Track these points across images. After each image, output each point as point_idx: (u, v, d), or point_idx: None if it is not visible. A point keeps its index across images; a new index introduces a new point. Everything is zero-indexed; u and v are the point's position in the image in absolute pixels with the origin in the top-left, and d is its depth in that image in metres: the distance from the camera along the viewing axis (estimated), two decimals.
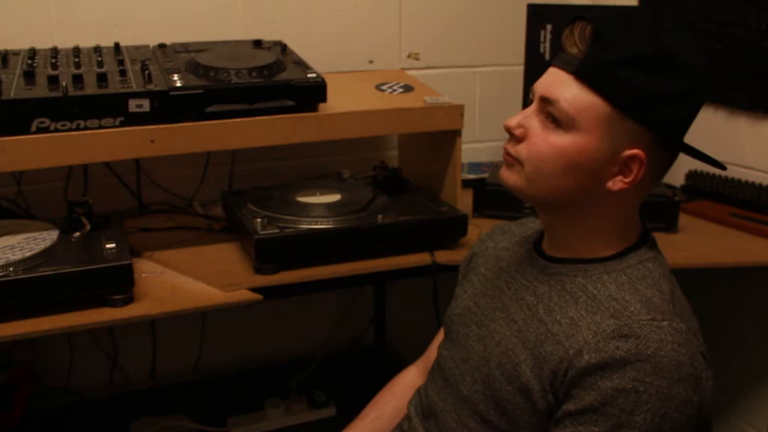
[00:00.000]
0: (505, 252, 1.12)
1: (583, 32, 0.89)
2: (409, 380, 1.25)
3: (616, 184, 0.90)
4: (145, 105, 1.26)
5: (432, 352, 1.23)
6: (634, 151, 0.88)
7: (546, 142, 0.90)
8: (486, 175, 1.72)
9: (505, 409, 0.93)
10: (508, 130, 0.95)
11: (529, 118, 0.93)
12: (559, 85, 0.90)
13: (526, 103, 0.98)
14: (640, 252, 0.95)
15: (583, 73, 0.88)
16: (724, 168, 1.02)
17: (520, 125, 0.93)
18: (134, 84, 1.29)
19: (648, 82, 0.86)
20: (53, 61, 1.35)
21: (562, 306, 0.93)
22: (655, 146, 0.90)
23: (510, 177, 0.96)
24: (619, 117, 0.87)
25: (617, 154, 0.89)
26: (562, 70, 0.90)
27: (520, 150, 0.93)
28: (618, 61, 0.86)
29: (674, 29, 0.93)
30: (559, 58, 0.92)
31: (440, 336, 1.22)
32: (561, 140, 0.90)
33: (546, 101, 0.91)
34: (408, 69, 1.87)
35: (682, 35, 0.94)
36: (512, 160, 0.95)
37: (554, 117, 0.90)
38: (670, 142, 0.91)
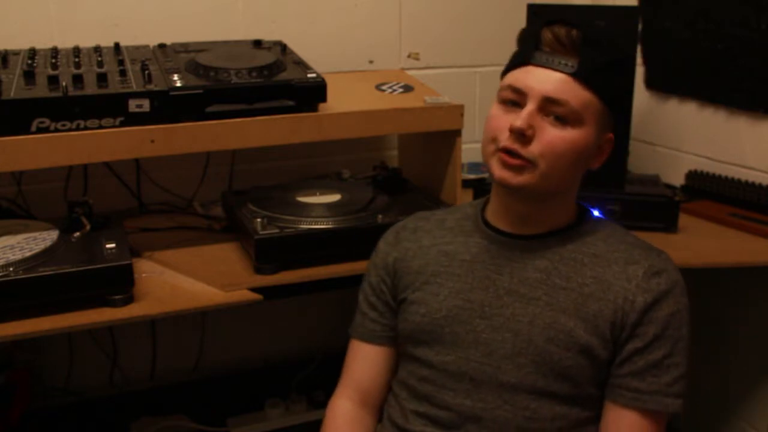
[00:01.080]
0: (452, 246, 1.12)
1: (570, 35, 1.00)
2: (348, 414, 1.17)
3: (595, 163, 1.07)
4: (145, 105, 1.26)
5: (362, 376, 1.18)
6: (610, 135, 1.07)
7: (562, 140, 1.00)
8: (486, 175, 1.72)
9: (569, 374, 1.02)
10: (519, 131, 0.99)
11: (534, 118, 1.00)
12: (562, 86, 0.99)
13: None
14: (588, 215, 1.13)
15: (583, 75, 0.99)
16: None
17: (530, 126, 0.99)
18: (134, 84, 1.29)
19: (621, 80, 1.06)
20: (53, 61, 1.35)
21: (575, 271, 1.05)
22: (613, 124, 1.08)
23: (518, 178, 1.01)
24: (606, 110, 1.03)
25: (601, 139, 1.05)
26: (556, 71, 1.00)
27: (533, 150, 1.00)
28: (609, 64, 1.01)
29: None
30: (545, 60, 1.01)
31: (366, 357, 1.18)
32: (572, 135, 1.00)
33: (552, 102, 0.99)
34: (408, 69, 1.87)
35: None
36: (524, 162, 1.00)
37: (561, 115, 0.99)
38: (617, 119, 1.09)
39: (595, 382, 1.03)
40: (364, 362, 1.19)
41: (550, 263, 1.06)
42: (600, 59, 1.00)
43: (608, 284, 1.02)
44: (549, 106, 0.99)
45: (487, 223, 1.12)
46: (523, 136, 0.99)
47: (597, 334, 1.01)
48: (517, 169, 1.01)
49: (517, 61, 1.04)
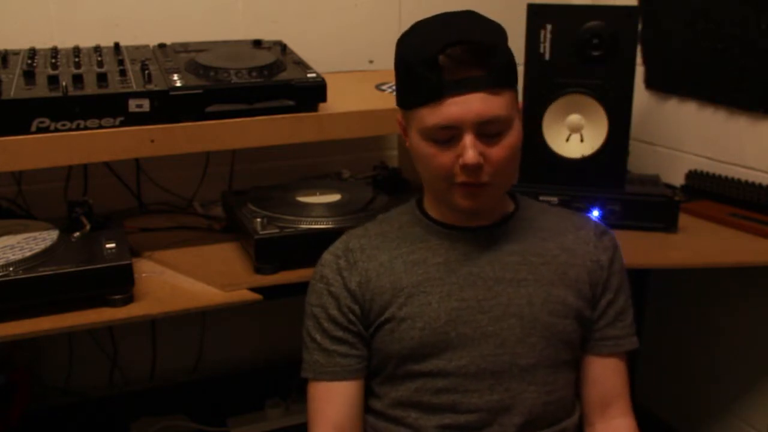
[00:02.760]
0: (417, 254, 1.09)
1: (466, 54, 0.97)
2: (336, 419, 1.09)
3: (520, 133, 1.06)
4: (145, 105, 1.26)
5: (339, 418, 1.08)
6: (519, 104, 1.08)
7: (505, 149, 1.02)
8: None
9: (570, 340, 1.09)
10: (476, 166, 1.00)
11: (477, 145, 1.00)
12: (485, 104, 0.99)
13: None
14: (520, 198, 1.19)
15: (495, 83, 0.99)
16: None
17: (480, 154, 1.00)
18: (134, 84, 1.29)
19: (510, 54, 1.04)
20: (53, 61, 1.35)
21: (542, 246, 1.11)
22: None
23: (479, 201, 1.05)
24: (515, 90, 1.05)
25: (519, 113, 1.06)
26: (473, 92, 0.98)
27: (489, 171, 1.02)
28: (508, 55, 1.03)
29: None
30: (457, 86, 0.98)
31: (336, 398, 1.09)
32: (512, 138, 1.03)
33: (485, 123, 1.00)
34: None
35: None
36: (482, 187, 1.03)
37: (496, 131, 1.01)
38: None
39: (581, 343, 1.13)
40: (341, 402, 1.09)
41: (519, 245, 1.11)
42: (503, 57, 1.01)
43: (573, 251, 1.11)
44: (483, 127, 1.00)
45: (436, 222, 1.13)
46: (476, 168, 1.00)
47: (582, 297, 1.10)
48: (476, 196, 1.04)
49: (428, 98, 0.99)
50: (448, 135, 1.00)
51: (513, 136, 1.03)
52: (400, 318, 1.07)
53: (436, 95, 0.98)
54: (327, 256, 1.14)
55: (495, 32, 1.03)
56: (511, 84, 1.04)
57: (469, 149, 0.99)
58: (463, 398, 1.05)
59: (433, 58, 0.97)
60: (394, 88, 1.59)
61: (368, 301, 1.09)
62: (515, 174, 1.10)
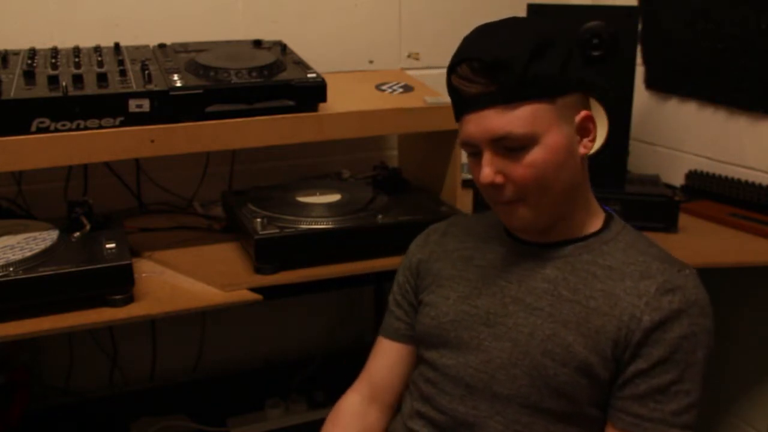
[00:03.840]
0: (468, 252, 1.11)
1: (473, 68, 0.95)
2: (353, 408, 1.19)
3: (587, 146, 1.00)
4: (145, 105, 1.26)
5: (377, 371, 1.19)
6: (583, 113, 0.99)
7: (529, 167, 0.96)
8: None
9: (564, 391, 0.97)
10: (490, 184, 0.98)
11: (495, 162, 0.97)
12: (497, 120, 0.95)
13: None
14: (616, 220, 1.07)
15: (506, 98, 0.94)
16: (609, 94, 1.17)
17: (497, 173, 0.97)
18: (134, 84, 1.29)
19: (549, 63, 0.95)
20: (53, 61, 1.35)
21: (585, 283, 0.99)
22: (586, 99, 1.02)
23: (520, 220, 1.01)
24: (555, 101, 0.96)
25: (574, 126, 0.98)
26: (483, 110, 0.95)
27: (513, 190, 0.98)
28: (524, 68, 0.93)
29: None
30: (470, 103, 0.97)
31: (385, 353, 1.19)
32: (538, 155, 0.96)
33: (498, 140, 0.96)
34: (408, 69, 1.87)
35: (522, 18, 1.06)
36: (514, 204, 0.99)
37: (514, 147, 0.96)
38: (592, 88, 1.02)
39: (596, 402, 0.98)
40: (382, 358, 1.20)
41: (561, 273, 1.01)
42: (514, 70, 0.93)
43: (617, 299, 0.96)
44: (498, 144, 0.96)
45: (509, 232, 1.10)
46: (497, 185, 0.98)
47: (597, 352, 0.95)
48: (515, 212, 1.00)
49: (455, 116, 1.02)
50: (473, 151, 1.00)
51: (538, 153, 0.95)
52: (425, 303, 1.13)
53: (458, 113, 1.01)
54: (424, 230, 1.22)
55: (513, 44, 0.94)
56: (536, 97, 0.94)
57: (484, 167, 0.97)
58: (438, 396, 1.07)
59: (449, 78, 0.99)
60: (394, 88, 1.59)
61: (419, 279, 1.16)
62: (555, 192, 0.98)
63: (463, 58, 0.96)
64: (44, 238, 1.28)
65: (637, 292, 0.96)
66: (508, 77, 0.93)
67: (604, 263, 1.00)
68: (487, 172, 0.97)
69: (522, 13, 1.53)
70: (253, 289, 1.32)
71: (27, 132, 1.21)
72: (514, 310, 1.02)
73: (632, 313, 0.95)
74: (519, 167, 0.96)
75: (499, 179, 0.97)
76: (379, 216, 1.42)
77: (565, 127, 0.97)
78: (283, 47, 1.55)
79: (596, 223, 1.06)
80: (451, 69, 0.99)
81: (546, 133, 0.95)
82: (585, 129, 1.00)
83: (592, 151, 1.04)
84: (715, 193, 1.68)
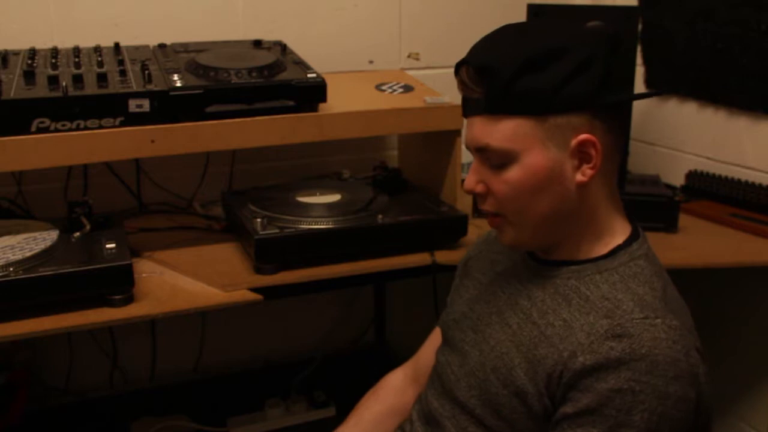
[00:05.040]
0: (500, 256, 1.10)
1: (469, 74, 0.91)
2: (395, 384, 1.23)
3: (585, 174, 0.90)
4: (145, 105, 1.26)
5: (423, 355, 1.23)
6: (581, 137, 0.89)
7: (505, 184, 0.92)
8: None
9: (502, 413, 0.93)
10: (470, 191, 0.96)
11: (480, 171, 0.94)
12: (480, 130, 0.91)
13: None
14: (631, 249, 0.94)
15: (489, 108, 0.90)
16: (660, 93, 1.04)
17: (478, 182, 0.95)
18: (134, 84, 1.29)
19: (543, 78, 0.87)
20: (53, 61, 1.35)
21: (555, 308, 0.93)
22: (594, 121, 0.90)
23: (504, 236, 0.98)
24: (545, 120, 0.88)
25: (568, 149, 0.89)
26: (473, 116, 0.92)
27: (493, 203, 0.95)
28: (510, 79, 0.87)
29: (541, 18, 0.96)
30: (464, 107, 0.94)
31: (433, 339, 1.22)
32: (515, 174, 0.90)
33: (480, 151, 0.93)
34: (408, 69, 1.87)
35: (546, 22, 0.98)
36: (496, 220, 0.97)
37: (495, 160, 0.91)
38: (603, 109, 0.90)
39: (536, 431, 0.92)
40: (429, 342, 1.22)
41: (543, 294, 0.95)
42: (498, 82, 0.88)
43: (570, 332, 0.88)
44: (482, 155, 0.93)
45: None
46: (479, 194, 0.95)
47: (534, 381, 0.90)
48: (500, 228, 0.97)
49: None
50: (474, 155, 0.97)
51: (515, 172, 0.90)
52: (451, 298, 1.16)
53: (462, 114, 0.97)
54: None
55: (507, 53, 0.88)
56: (520, 112, 0.88)
57: (469, 174, 0.95)
58: (429, 387, 1.10)
59: (457, 80, 0.96)
60: (394, 88, 1.59)
61: (463, 274, 1.16)
62: (533, 215, 0.93)
63: (464, 60, 0.93)
64: (44, 238, 1.28)
65: (589, 329, 0.87)
66: (493, 87, 0.89)
67: (585, 293, 0.92)
68: (470, 179, 0.95)
69: (522, 13, 1.53)
70: (253, 289, 1.32)
71: (27, 132, 1.21)
72: (493, 321, 1.00)
73: (573, 350, 0.86)
74: (497, 181, 0.92)
75: (479, 188, 0.95)
76: (379, 216, 1.42)
77: (553, 150, 0.89)
78: (283, 47, 1.55)
79: (604, 248, 0.95)
80: (457, 68, 0.95)
81: (526, 152, 0.89)
82: (584, 154, 0.90)
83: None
84: (715, 193, 1.68)
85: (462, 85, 0.93)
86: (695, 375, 0.85)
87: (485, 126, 0.91)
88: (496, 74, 0.88)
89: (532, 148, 0.89)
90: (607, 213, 0.95)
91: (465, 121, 0.96)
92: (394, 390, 1.22)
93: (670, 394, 0.82)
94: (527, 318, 0.95)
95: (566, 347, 0.87)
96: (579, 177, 0.91)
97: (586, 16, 1.49)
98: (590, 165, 0.90)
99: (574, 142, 0.89)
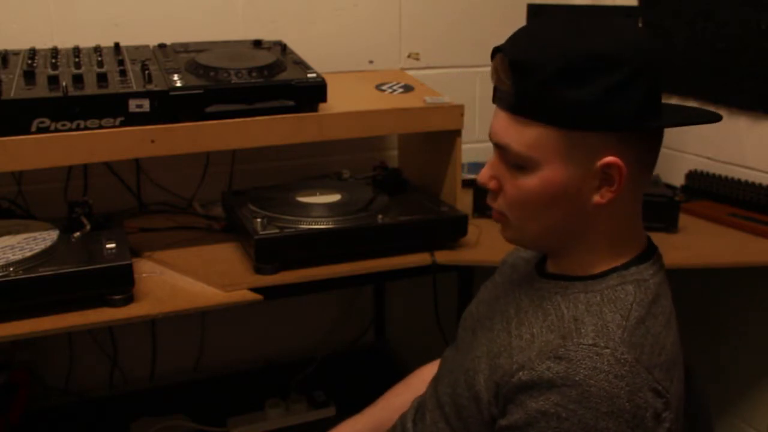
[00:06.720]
0: (521, 262, 1.07)
1: (503, 64, 0.84)
2: (426, 375, 1.20)
3: (604, 196, 0.84)
4: (145, 105, 1.26)
5: None
6: (607, 159, 0.82)
7: (517, 189, 0.86)
8: None
9: (462, 414, 0.92)
10: (483, 185, 0.91)
11: (497, 167, 0.89)
12: (504, 128, 0.85)
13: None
14: (627, 273, 0.88)
15: (516, 107, 0.84)
16: (719, 118, 0.93)
17: (492, 177, 0.90)
18: (134, 84, 1.29)
19: (584, 89, 0.79)
20: (53, 61, 1.35)
21: (531, 322, 0.89)
22: (625, 143, 0.82)
23: (504, 233, 0.94)
24: (573, 134, 0.81)
25: (591, 169, 0.83)
26: (499, 108, 0.87)
27: (501, 203, 0.90)
28: (544, 82, 0.80)
29: (588, 19, 0.87)
30: (494, 95, 0.88)
31: None
32: (529, 182, 0.85)
33: (500, 148, 0.87)
34: (408, 69, 1.87)
35: (599, 21, 0.87)
36: (498, 216, 0.93)
37: (514, 162, 0.86)
38: (637, 131, 0.83)
39: None
40: None
41: (529, 306, 0.92)
42: (530, 83, 0.81)
43: (530, 347, 0.85)
44: (502, 152, 0.87)
45: None
46: (492, 191, 0.91)
47: (487, 388, 0.88)
48: (502, 224, 0.93)
49: None
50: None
51: (530, 180, 0.85)
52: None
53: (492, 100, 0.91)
54: None
55: (549, 52, 0.81)
56: (548, 120, 0.82)
57: (485, 167, 0.90)
58: (434, 379, 1.09)
59: (492, 65, 0.89)
60: (394, 88, 1.59)
61: (493, 275, 1.15)
62: (536, 227, 0.89)
63: (500, 47, 0.86)
64: (44, 238, 1.28)
65: (542, 347, 0.83)
66: (524, 86, 0.82)
67: (562, 310, 0.87)
68: (484, 172, 0.90)
69: (522, 13, 1.53)
70: (253, 289, 1.32)
71: (27, 132, 1.21)
72: (485, 326, 0.99)
73: (522, 365, 0.83)
74: (511, 183, 0.87)
75: (493, 185, 0.90)
76: (379, 216, 1.42)
77: (573, 168, 0.83)
78: (283, 47, 1.55)
79: (603, 266, 0.89)
80: (493, 53, 0.88)
81: (546, 163, 0.83)
82: (608, 176, 0.83)
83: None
84: (715, 193, 1.68)
85: (494, 73, 0.87)
86: (640, 418, 0.78)
87: (509, 125, 0.84)
88: (530, 74, 0.81)
89: (552, 161, 0.83)
90: (619, 234, 0.89)
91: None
92: (425, 383, 1.17)
93: (599, 430, 0.77)
94: (506, 327, 0.92)
95: (518, 360, 0.85)
96: (597, 198, 0.84)
97: (587, 16, 1.50)
98: (611, 188, 0.83)
99: (599, 163, 0.82)
